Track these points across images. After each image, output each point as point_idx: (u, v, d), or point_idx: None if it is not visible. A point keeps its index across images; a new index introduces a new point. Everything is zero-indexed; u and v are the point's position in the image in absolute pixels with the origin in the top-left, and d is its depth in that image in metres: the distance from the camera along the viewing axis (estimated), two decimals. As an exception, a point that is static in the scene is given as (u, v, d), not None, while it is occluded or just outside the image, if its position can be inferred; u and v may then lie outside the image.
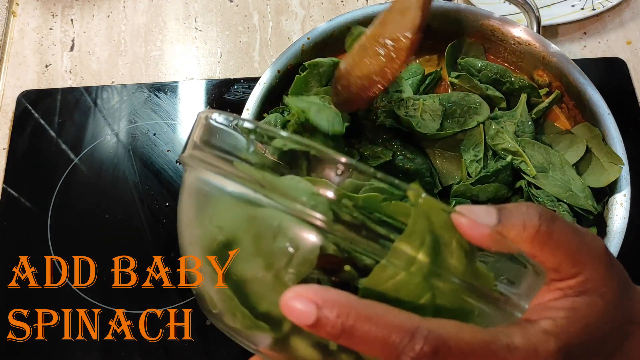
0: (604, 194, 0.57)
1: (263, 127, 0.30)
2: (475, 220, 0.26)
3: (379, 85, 0.48)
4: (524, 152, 0.56)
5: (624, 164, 0.56)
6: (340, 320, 0.23)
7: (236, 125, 0.30)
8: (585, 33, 0.78)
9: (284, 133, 0.28)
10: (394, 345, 0.23)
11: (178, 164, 0.70)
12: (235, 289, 0.28)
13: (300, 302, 0.24)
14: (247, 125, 0.30)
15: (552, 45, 0.62)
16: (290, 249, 0.26)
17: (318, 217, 0.26)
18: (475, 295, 0.26)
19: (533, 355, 0.25)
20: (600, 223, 0.56)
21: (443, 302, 0.25)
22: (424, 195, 0.25)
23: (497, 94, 0.61)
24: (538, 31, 0.65)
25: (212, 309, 0.30)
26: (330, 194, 0.26)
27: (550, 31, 0.77)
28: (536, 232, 0.27)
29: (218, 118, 0.30)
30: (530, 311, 0.28)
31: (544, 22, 0.68)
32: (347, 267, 0.26)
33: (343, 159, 0.26)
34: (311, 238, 0.26)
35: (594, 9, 0.76)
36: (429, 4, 0.47)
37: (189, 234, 0.32)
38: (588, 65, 0.73)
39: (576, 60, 0.62)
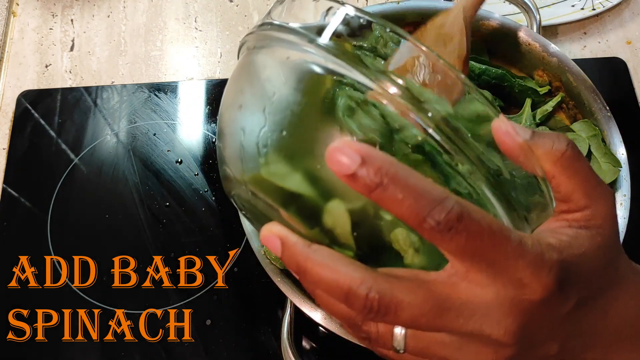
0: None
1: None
2: (513, 129, 0.29)
3: None
4: None
5: (621, 167, 0.56)
6: (379, 175, 0.25)
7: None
8: (585, 33, 0.78)
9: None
10: (422, 208, 0.25)
11: (178, 164, 0.70)
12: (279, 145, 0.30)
13: (346, 153, 0.25)
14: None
15: (552, 45, 0.62)
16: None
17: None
18: (496, 195, 0.29)
19: (539, 259, 0.27)
20: (600, 223, 0.56)
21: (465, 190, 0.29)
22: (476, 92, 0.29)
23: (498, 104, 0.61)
24: (538, 31, 0.65)
25: (258, 158, 0.32)
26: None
27: (550, 31, 0.77)
28: (562, 155, 0.30)
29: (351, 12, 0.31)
30: (536, 232, 0.30)
31: (544, 22, 0.68)
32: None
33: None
34: None
35: (594, 9, 0.76)
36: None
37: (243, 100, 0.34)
38: (588, 65, 0.73)
39: (576, 60, 0.62)
